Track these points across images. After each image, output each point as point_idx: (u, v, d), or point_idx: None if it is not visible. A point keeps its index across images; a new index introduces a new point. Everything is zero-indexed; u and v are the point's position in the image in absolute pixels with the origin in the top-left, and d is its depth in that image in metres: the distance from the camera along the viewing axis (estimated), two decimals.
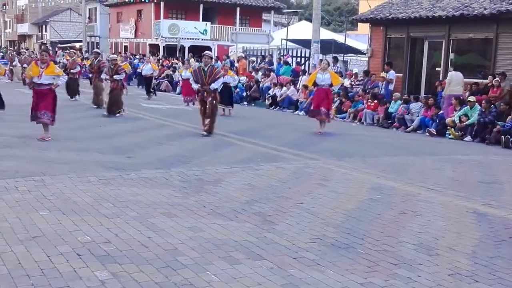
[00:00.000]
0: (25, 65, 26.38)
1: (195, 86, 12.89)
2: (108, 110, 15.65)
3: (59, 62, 33.77)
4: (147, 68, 23.32)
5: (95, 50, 22.48)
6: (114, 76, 15.80)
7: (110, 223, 5.78)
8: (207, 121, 12.60)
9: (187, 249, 5.10)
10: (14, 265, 4.56)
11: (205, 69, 12.54)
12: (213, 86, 12.52)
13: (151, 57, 31.13)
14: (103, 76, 17.06)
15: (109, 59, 17.10)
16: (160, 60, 32.38)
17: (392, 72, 19.12)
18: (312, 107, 14.46)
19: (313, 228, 5.92)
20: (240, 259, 4.94)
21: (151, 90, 23.18)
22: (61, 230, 5.48)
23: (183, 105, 20.00)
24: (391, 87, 18.96)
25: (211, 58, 13.17)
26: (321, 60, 14.61)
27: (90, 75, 18.44)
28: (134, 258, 4.83)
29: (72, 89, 20.11)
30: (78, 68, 21.34)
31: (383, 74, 19.05)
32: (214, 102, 12.68)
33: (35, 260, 4.67)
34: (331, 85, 14.00)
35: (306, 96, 20.30)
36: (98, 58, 18.82)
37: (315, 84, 14.07)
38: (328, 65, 14.44)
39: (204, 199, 6.92)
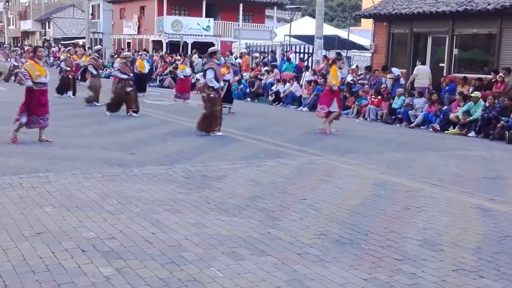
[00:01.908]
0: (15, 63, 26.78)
1: (218, 85, 12.12)
2: (135, 108, 15.15)
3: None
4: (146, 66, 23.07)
5: (99, 47, 22.41)
6: (121, 75, 15.27)
7: (114, 219, 5.79)
8: (219, 120, 12.19)
9: (191, 245, 5.11)
10: (19, 261, 4.57)
11: (220, 66, 12.37)
12: (221, 83, 12.45)
13: (143, 53, 31.02)
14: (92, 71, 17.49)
15: (124, 55, 16.80)
16: (163, 57, 32.35)
17: (394, 69, 19.01)
18: (334, 108, 13.47)
19: (317, 224, 5.92)
20: (244, 255, 4.94)
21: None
22: (66, 226, 5.49)
23: (171, 102, 19.78)
24: (402, 81, 18.84)
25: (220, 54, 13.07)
26: (338, 59, 14.21)
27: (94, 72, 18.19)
28: (138, 254, 4.84)
29: (67, 85, 20.01)
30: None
31: (389, 75, 18.86)
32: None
33: (40, 256, 4.68)
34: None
35: (309, 92, 20.29)
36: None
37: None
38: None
39: (208, 195, 6.92)
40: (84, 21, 50.06)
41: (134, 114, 14.99)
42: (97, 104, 17.12)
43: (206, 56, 13.34)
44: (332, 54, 23.67)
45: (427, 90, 17.23)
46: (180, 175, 8.00)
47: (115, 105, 15.09)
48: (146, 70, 23.39)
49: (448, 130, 14.98)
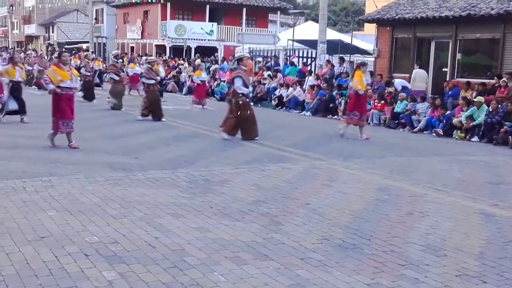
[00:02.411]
0: (35, 67, 26.53)
1: (246, 90, 12.29)
2: (158, 116, 15.29)
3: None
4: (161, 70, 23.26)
5: (116, 51, 22.52)
6: (148, 80, 15.50)
7: (118, 223, 5.79)
8: (254, 126, 12.24)
9: (194, 250, 5.11)
10: (22, 265, 4.58)
11: (247, 71, 12.45)
12: (250, 89, 12.78)
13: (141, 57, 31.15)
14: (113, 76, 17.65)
15: (148, 60, 16.93)
16: (166, 61, 32.42)
17: (397, 82, 18.89)
18: (359, 113, 13.44)
19: (320, 229, 5.92)
20: (247, 259, 4.94)
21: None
22: (69, 230, 5.50)
23: (191, 107, 19.68)
24: (409, 86, 18.81)
25: (249, 58, 13.25)
26: (363, 64, 14.05)
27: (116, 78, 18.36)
28: (141, 258, 4.84)
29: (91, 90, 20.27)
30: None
31: (391, 89, 18.72)
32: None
33: (43, 260, 4.69)
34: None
35: (312, 97, 20.29)
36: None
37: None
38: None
39: (211, 200, 6.92)
40: (87, 26, 50.15)
41: (140, 117, 15.19)
42: (122, 109, 17.53)
43: (233, 62, 13.17)
44: (335, 59, 23.72)
45: (422, 94, 17.40)
46: (183, 179, 8.00)
47: (149, 111, 15.29)
48: (162, 75, 23.64)
49: (454, 133, 14.93)
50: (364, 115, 13.74)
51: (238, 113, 12.05)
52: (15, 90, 13.67)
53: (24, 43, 72.13)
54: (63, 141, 10.40)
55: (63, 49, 14.49)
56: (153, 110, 15.28)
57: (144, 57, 20.32)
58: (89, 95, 19.93)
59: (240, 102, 12.08)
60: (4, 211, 6.06)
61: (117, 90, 17.93)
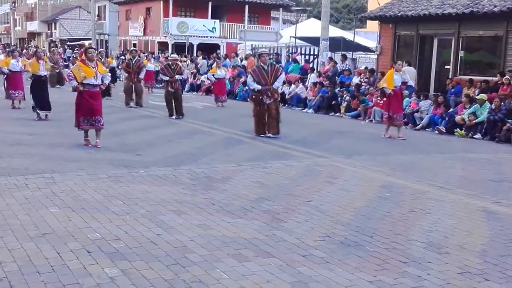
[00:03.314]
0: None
1: (257, 87, 12.18)
2: (179, 112, 15.36)
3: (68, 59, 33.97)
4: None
5: (133, 48, 22.46)
6: (176, 76, 15.48)
7: (120, 220, 5.80)
8: (273, 122, 12.18)
9: (196, 247, 5.11)
10: (25, 261, 4.58)
11: (265, 68, 12.18)
12: (276, 84, 12.38)
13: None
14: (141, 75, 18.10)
15: (170, 58, 16.98)
16: (169, 58, 32.37)
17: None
18: (389, 113, 13.31)
19: (322, 226, 5.92)
20: (249, 256, 4.94)
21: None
22: (71, 227, 5.50)
23: (215, 105, 19.62)
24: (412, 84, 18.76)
25: (269, 55, 13.01)
26: (395, 62, 13.75)
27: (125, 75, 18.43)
28: (143, 255, 4.84)
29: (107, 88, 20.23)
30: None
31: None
32: (278, 101, 12.56)
33: (45, 257, 4.69)
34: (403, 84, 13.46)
35: (315, 94, 20.27)
36: (136, 58, 18.86)
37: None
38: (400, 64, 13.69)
39: (213, 197, 6.92)
40: (90, 23, 50.18)
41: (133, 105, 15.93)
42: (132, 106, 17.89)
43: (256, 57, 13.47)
44: (337, 56, 23.68)
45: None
46: (186, 176, 8.00)
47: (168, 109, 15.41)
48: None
49: (456, 130, 14.91)
50: (399, 115, 13.31)
51: (255, 106, 12.29)
52: (38, 85, 13.48)
53: (26, 40, 72.19)
54: (66, 139, 10.41)
55: (91, 46, 14.18)
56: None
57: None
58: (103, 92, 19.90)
59: (253, 96, 12.40)
60: (6, 208, 6.07)
61: (126, 87, 18.19)
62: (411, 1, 20.95)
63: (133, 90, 18.18)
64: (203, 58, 29.47)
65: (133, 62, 18.30)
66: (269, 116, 12.18)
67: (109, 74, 10.96)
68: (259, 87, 12.09)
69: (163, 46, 40.09)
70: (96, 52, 12.23)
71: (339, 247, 5.30)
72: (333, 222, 6.07)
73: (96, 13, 49.53)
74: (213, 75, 20.27)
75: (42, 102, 13.41)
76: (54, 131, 10.64)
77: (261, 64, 12.29)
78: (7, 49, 35.91)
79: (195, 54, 34.07)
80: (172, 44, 38.60)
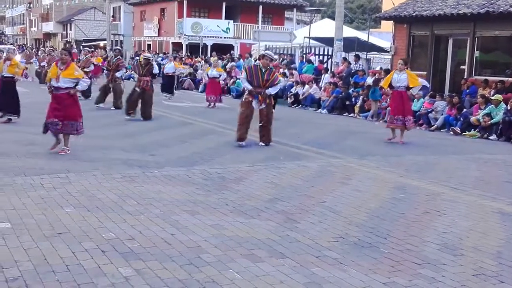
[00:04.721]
0: (43, 63, 26.37)
1: (248, 86, 11.10)
2: (147, 116, 14.62)
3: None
4: (170, 67, 22.43)
5: (116, 47, 22.18)
6: (144, 77, 14.76)
7: (134, 220, 5.83)
8: (264, 130, 11.14)
9: (210, 247, 5.12)
10: (40, 261, 4.62)
11: (263, 70, 11.06)
12: (271, 91, 11.19)
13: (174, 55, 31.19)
14: (119, 74, 17.07)
15: (143, 57, 16.25)
16: (183, 59, 32.51)
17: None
18: (390, 114, 12.90)
19: (336, 227, 5.90)
20: (262, 257, 4.94)
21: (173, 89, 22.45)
22: (86, 226, 5.54)
23: (205, 105, 19.31)
24: (428, 85, 18.64)
25: (272, 60, 11.56)
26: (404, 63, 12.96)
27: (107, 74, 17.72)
28: (157, 255, 4.86)
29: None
30: (92, 67, 21.19)
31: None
32: (271, 108, 11.37)
33: (60, 256, 4.73)
34: (407, 87, 12.62)
35: (328, 95, 20.23)
36: (118, 56, 18.06)
37: (390, 86, 12.71)
38: (406, 64, 12.82)
39: (227, 197, 6.94)
40: (105, 23, 50.53)
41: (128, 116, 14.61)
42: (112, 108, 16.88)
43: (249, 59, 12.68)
44: (351, 56, 23.61)
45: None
46: (199, 176, 8.02)
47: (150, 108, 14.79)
48: (177, 72, 23.60)
49: (464, 134, 14.81)
50: (397, 117, 12.50)
51: (242, 109, 11.10)
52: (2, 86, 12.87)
53: (42, 40, 72.78)
54: (80, 139, 10.45)
55: (66, 47, 13.22)
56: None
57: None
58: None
59: (243, 98, 11.25)
60: (22, 207, 6.12)
61: (117, 89, 17.19)
62: (426, 1, 20.83)
63: (111, 91, 17.21)
64: (219, 59, 29.51)
65: (114, 60, 17.38)
66: (261, 123, 11.09)
67: (87, 80, 10.20)
68: (250, 87, 11.02)
69: (177, 46, 40.25)
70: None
71: (353, 248, 5.29)
72: (347, 223, 6.05)
73: (111, 14, 49.84)
74: (206, 74, 19.95)
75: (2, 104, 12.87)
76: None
77: (261, 65, 11.22)
78: None
79: (208, 55, 34.14)
80: (186, 45, 38.74)
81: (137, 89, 14.69)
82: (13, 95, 12.95)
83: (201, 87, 26.92)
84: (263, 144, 11.08)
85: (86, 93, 19.10)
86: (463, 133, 14.86)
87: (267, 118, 11.12)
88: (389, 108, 14.99)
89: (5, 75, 12.76)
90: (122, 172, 8.06)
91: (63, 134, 9.53)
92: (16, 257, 4.68)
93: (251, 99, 11.02)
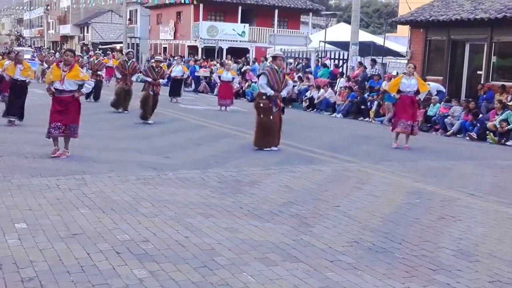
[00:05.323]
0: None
1: (271, 92, 10.68)
2: (146, 116, 14.37)
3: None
4: (178, 70, 22.29)
5: (130, 50, 21.96)
6: (160, 80, 14.69)
7: (149, 222, 5.85)
8: (278, 134, 10.92)
9: (224, 250, 5.13)
10: (55, 261, 4.65)
11: (278, 73, 10.83)
12: (284, 93, 11.16)
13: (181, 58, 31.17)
14: (134, 78, 17.06)
15: (155, 60, 16.12)
16: (198, 62, 32.60)
17: (432, 86, 18.23)
18: (395, 118, 12.51)
19: (350, 232, 5.88)
20: (276, 260, 4.94)
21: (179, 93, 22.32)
22: (101, 228, 5.57)
23: (217, 108, 19.18)
24: (443, 89, 18.54)
25: (284, 60, 11.12)
26: (406, 64, 12.84)
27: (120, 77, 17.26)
28: (171, 257, 4.88)
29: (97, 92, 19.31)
30: (104, 70, 21.26)
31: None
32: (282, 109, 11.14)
33: (75, 257, 4.76)
34: (417, 92, 12.31)
35: (344, 99, 20.19)
36: (132, 59, 17.82)
37: (398, 91, 12.29)
38: (414, 68, 12.65)
39: (241, 200, 6.94)
40: (121, 26, 50.76)
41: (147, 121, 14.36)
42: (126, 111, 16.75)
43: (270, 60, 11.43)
44: (367, 61, 23.54)
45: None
46: (214, 179, 8.04)
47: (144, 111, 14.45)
48: (185, 76, 23.50)
49: (488, 133, 14.67)
50: (404, 122, 12.17)
51: (261, 116, 10.76)
52: (14, 89, 12.74)
53: (59, 43, 73.41)
54: (96, 141, 10.54)
55: (69, 48, 12.19)
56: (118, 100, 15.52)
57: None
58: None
59: (261, 104, 10.76)
60: (38, 208, 6.17)
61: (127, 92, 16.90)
62: (443, 5, 20.73)
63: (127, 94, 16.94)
64: (234, 62, 29.59)
65: (129, 64, 17.17)
66: (272, 129, 10.80)
67: (91, 82, 9.81)
68: (273, 92, 10.70)
69: (193, 50, 40.39)
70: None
71: (367, 253, 5.27)
72: (361, 228, 6.03)
73: (128, 17, 50.13)
74: (219, 76, 19.65)
75: (11, 107, 12.67)
76: (82, 133, 10.72)
77: (275, 67, 10.92)
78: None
79: (224, 58, 34.23)
80: (202, 48, 38.86)
81: (151, 92, 14.47)
82: (23, 98, 12.85)
83: (216, 90, 26.95)
84: (275, 148, 10.89)
85: (95, 95, 19.31)
86: (487, 135, 14.67)
87: (280, 121, 11.00)
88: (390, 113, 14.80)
89: (19, 79, 12.69)
90: (137, 174, 8.10)
91: (64, 137, 9.26)
92: (31, 257, 4.71)
93: (271, 105, 10.75)
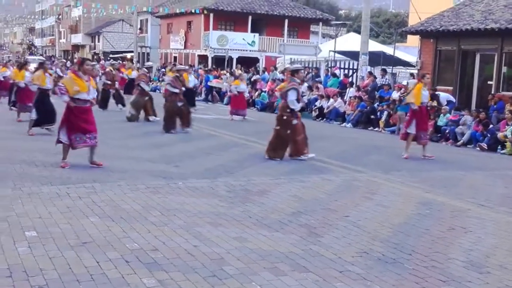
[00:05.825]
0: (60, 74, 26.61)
1: (299, 107, 10.96)
2: (189, 124, 14.63)
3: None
4: (190, 80, 22.02)
5: (150, 64, 21.99)
6: (172, 89, 14.70)
7: (158, 231, 5.86)
8: (305, 141, 11.05)
9: (233, 259, 5.13)
10: (65, 270, 4.67)
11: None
12: (300, 106, 11.16)
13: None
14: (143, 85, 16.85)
15: (177, 68, 16.31)
16: (211, 71, 32.67)
17: (442, 96, 18.23)
18: (412, 130, 12.20)
19: (360, 242, 5.86)
20: (285, 270, 4.93)
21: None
22: (110, 236, 5.59)
23: (229, 118, 19.12)
24: (453, 99, 18.49)
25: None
26: (422, 76, 12.67)
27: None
28: (180, 266, 4.88)
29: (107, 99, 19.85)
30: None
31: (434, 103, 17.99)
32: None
33: (85, 266, 4.77)
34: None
35: (353, 108, 20.17)
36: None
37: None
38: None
39: (250, 210, 6.94)
40: (132, 36, 51.14)
41: (187, 129, 14.55)
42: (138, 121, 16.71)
43: (288, 74, 11.39)
44: (377, 71, 23.54)
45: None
46: (223, 188, 8.05)
47: (171, 122, 14.47)
48: (191, 85, 23.42)
49: (500, 148, 14.56)
50: (423, 133, 12.27)
51: (281, 128, 10.84)
52: (43, 98, 12.86)
53: (70, 52, 73.96)
54: (108, 149, 10.57)
55: (88, 57, 12.38)
56: (166, 119, 14.56)
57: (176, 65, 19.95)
58: (103, 104, 19.43)
59: (285, 117, 10.83)
60: (48, 216, 6.20)
61: (140, 102, 16.85)
62: (453, 15, 20.71)
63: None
64: (244, 72, 29.64)
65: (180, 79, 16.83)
66: (288, 140, 10.96)
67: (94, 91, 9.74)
68: (299, 107, 10.99)
69: (203, 59, 40.54)
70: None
71: (377, 263, 5.25)
72: (371, 238, 6.01)
73: (139, 26, 50.47)
74: (236, 88, 19.55)
75: (46, 115, 12.70)
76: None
77: (297, 80, 11.05)
78: (14, 61, 35.76)
79: (234, 68, 34.33)
80: (212, 58, 39.00)
81: (179, 103, 14.56)
82: (51, 104, 13.01)
83: (226, 100, 27.02)
84: (312, 155, 11.03)
85: (103, 104, 19.41)
86: (505, 146, 14.53)
87: (304, 128, 11.10)
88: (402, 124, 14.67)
89: (47, 88, 12.94)
90: (146, 182, 8.12)
91: (91, 147, 9.23)
92: (41, 265, 4.73)
93: (292, 118, 10.82)
